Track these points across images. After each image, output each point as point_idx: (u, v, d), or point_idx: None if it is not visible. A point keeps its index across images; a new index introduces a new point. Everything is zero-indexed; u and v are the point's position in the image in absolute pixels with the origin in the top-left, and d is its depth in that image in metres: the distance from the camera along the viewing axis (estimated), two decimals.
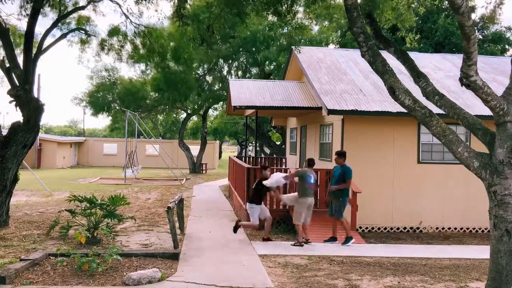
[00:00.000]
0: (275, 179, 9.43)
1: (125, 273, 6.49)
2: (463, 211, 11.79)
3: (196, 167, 30.86)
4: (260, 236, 9.76)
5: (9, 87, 10.56)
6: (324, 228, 10.09)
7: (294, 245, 8.96)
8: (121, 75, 34.99)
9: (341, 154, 9.59)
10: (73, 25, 14.14)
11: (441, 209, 11.78)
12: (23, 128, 10.33)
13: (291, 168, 9.37)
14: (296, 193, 9.38)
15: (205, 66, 28.07)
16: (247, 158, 19.61)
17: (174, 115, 43.97)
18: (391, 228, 11.71)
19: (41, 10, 11.72)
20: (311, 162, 9.50)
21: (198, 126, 45.71)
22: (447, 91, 12.67)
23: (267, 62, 26.67)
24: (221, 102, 30.72)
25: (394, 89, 5.87)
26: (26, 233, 9.50)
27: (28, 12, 11.10)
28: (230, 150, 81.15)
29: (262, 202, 9.57)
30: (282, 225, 10.87)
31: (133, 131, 30.75)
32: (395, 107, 10.89)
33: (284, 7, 8.85)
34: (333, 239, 9.45)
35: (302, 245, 8.89)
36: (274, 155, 26.34)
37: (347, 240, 9.25)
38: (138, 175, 25.38)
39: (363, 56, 6.32)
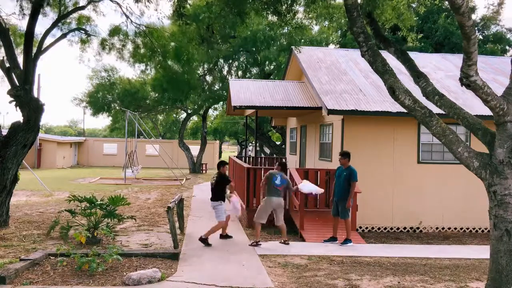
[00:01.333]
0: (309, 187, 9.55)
1: (125, 273, 6.49)
2: (463, 211, 11.79)
3: (196, 167, 30.86)
4: (261, 236, 9.76)
5: (9, 87, 10.56)
6: (324, 228, 10.08)
7: (250, 245, 8.78)
8: (121, 75, 34.99)
9: (345, 155, 9.41)
10: (73, 25, 14.14)
11: (441, 209, 11.78)
12: (23, 128, 10.33)
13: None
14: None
15: (205, 66, 28.09)
16: (247, 158, 19.61)
17: (174, 115, 43.99)
18: (391, 228, 11.71)
19: (41, 10, 11.71)
20: (282, 165, 9.51)
21: (198, 126, 45.72)
22: (447, 91, 12.67)
23: (267, 62, 26.69)
24: (221, 102, 30.73)
25: (394, 89, 5.87)
26: (26, 233, 9.50)
27: (28, 12, 11.11)
28: (230, 150, 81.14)
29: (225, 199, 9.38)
30: None
31: (133, 131, 30.75)
32: (395, 107, 10.89)
33: (284, 6, 8.85)
34: (333, 239, 9.45)
35: (258, 245, 8.77)
36: (274, 155, 26.34)
37: (346, 241, 9.24)
38: (138, 175, 25.38)
39: (363, 56, 6.32)
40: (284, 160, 19.15)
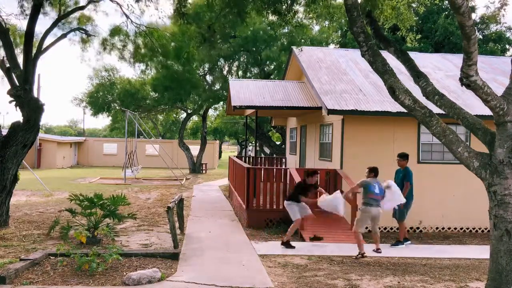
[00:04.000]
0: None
1: (125, 273, 6.49)
2: (463, 211, 11.79)
3: (196, 167, 30.85)
4: (261, 236, 9.77)
5: (9, 87, 10.56)
6: (324, 228, 10.08)
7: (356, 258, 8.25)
8: (121, 75, 35.03)
9: (404, 156, 9.59)
10: (73, 25, 14.13)
11: (441, 209, 11.78)
12: (23, 128, 10.33)
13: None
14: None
15: (206, 66, 28.10)
16: (247, 158, 19.61)
17: (174, 115, 43.98)
18: (391, 228, 11.70)
19: (42, 9, 11.71)
20: (375, 171, 8.66)
21: (198, 126, 45.72)
22: (447, 91, 12.66)
23: (267, 62, 26.69)
24: (221, 102, 30.73)
25: (394, 89, 5.87)
26: (26, 233, 9.50)
27: (28, 11, 11.10)
28: (230, 150, 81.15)
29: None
30: (282, 225, 10.87)
31: (133, 131, 30.74)
32: (395, 107, 10.89)
33: (284, 6, 8.85)
34: (399, 242, 9.55)
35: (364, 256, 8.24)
36: (274, 155, 26.34)
37: (398, 243, 9.43)
38: (138, 175, 25.38)
39: (363, 56, 6.31)
40: (284, 160, 19.15)
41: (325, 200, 8.66)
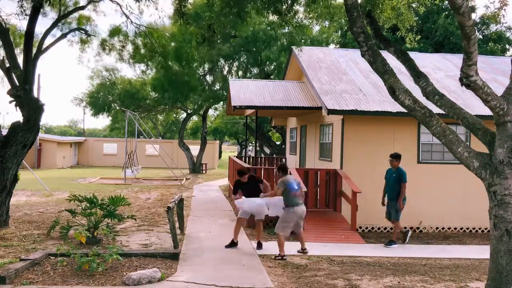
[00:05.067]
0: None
1: (125, 273, 6.49)
2: (463, 211, 11.78)
3: (196, 167, 30.85)
4: (262, 237, 9.78)
5: (9, 87, 10.55)
6: (324, 228, 10.08)
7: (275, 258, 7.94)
8: (122, 75, 35.00)
9: (396, 157, 9.65)
10: (73, 25, 14.14)
11: (441, 209, 11.77)
12: (23, 128, 10.33)
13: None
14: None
15: (206, 66, 28.09)
16: (247, 158, 19.61)
17: (174, 115, 43.98)
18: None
19: (41, 9, 11.71)
20: (284, 169, 8.44)
21: (198, 126, 45.72)
22: (447, 91, 12.66)
23: (267, 62, 26.68)
24: (221, 102, 30.74)
25: (394, 89, 5.87)
26: (26, 233, 9.50)
27: (28, 12, 11.10)
28: (230, 150, 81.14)
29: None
30: None
31: (133, 131, 30.75)
32: (395, 107, 10.89)
33: (284, 6, 8.85)
34: (393, 242, 9.58)
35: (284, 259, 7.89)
36: (274, 155, 26.34)
37: (391, 242, 9.46)
38: (138, 175, 25.37)
39: (363, 56, 6.31)
40: (284, 160, 19.15)
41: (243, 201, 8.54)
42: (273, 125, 23.55)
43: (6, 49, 10.75)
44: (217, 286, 6.10)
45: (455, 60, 16.22)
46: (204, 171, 31.43)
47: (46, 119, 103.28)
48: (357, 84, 13.05)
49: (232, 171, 15.73)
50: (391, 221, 9.79)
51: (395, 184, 9.46)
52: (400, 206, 9.39)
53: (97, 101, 28.70)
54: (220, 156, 52.62)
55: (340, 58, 15.75)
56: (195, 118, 42.35)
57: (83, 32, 14.11)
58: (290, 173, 8.73)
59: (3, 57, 11.03)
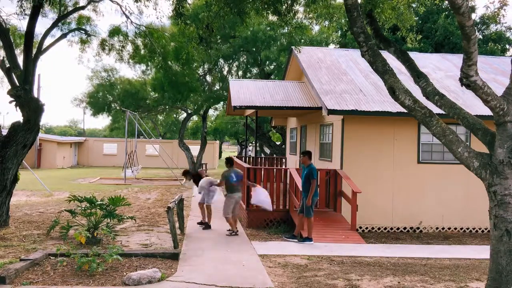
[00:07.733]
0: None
1: (125, 273, 6.49)
2: (463, 211, 11.79)
3: (196, 167, 30.82)
4: (261, 236, 9.77)
5: (9, 87, 10.55)
6: (324, 228, 10.08)
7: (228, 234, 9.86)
8: (121, 75, 35.02)
9: (307, 154, 9.65)
10: (73, 25, 14.13)
11: (441, 209, 11.78)
12: (23, 128, 10.33)
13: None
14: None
15: (206, 66, 28.07)
16: (247, 158, 19.60)
17: (174, 115, 43.95)
18: (391, 228, 11.71)
19: (41, 10, 11.70)
20: (230, 161, 10.50)
21: (198, 126, 45.69)
22: (447, 91, 12.67)
23: (267, 62, 26.67)
24: (221, 102, 30.71)
25: (394, 89, 5.87)
26: (26, 233, 9.50)
27: (28, 12, 11.10)
28: (230, 150, 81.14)
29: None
30: (283, 225, 10.89)
31: (133, 131, 30.75)
32: (395, 107, 10.89)
33: (284, 6, 8.84)
34: (294, 236, 9.61)
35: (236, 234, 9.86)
36: (274, 155, 26.34)
37: (305, 239, 9.31)
38: (138, 175, 25.38)
39: (363, 56, 6.31)
40: (284, 160, 19.14)
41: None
42: (273, 125, 23.55)
43: (6, 49, 10.75)
44: (217, 286, 6.10)
45: (455, 60, 16.23)
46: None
47: (46, 119, 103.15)
48: (357, 84, 13.06)
49: None
50: (299, 216, 9.58)
51: (305, 181, 9.33)
52: (308, 203, 9.25)
53: (97, 101, 28.69)
54: (220, 156, 52.59)
55: (340, 58, 15.76)
56: (195, 118, 42.34)
57: (83, 32, 14.10)
58: (235, 166, 10.78)
59: (3, 57, 11.03)
